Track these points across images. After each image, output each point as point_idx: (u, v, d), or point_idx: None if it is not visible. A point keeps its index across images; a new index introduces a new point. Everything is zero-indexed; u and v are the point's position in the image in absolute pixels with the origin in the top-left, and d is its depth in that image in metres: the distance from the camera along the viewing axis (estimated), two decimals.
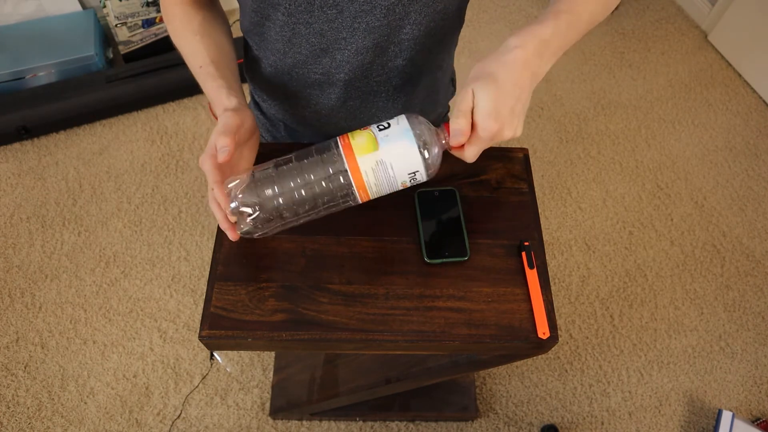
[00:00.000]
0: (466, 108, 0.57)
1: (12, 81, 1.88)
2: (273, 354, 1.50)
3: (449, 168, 0.74)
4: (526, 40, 0.58)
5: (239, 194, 0.59)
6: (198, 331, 0.81)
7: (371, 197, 0.61)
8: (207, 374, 1.51)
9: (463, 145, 0.60)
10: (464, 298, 0.65)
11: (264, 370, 1.51)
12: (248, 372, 1.51)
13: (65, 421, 1.44)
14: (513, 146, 0.78)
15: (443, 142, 0.60)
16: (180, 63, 1.55)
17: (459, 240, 0.68)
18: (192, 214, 1.76)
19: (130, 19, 1.93)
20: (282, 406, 1.40)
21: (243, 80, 0.76)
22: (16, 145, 1.88)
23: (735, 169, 1.92)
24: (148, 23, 1.97)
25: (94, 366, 1.51)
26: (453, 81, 0.98)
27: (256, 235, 0.62)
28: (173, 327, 1.57)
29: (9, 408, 1.45)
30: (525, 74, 0.57)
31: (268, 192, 0.58)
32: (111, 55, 2.08)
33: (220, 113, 0.63)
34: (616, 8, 2.31)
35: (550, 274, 1.10)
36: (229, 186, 0.59)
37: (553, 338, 0.63)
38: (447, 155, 0.63)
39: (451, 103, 1.00)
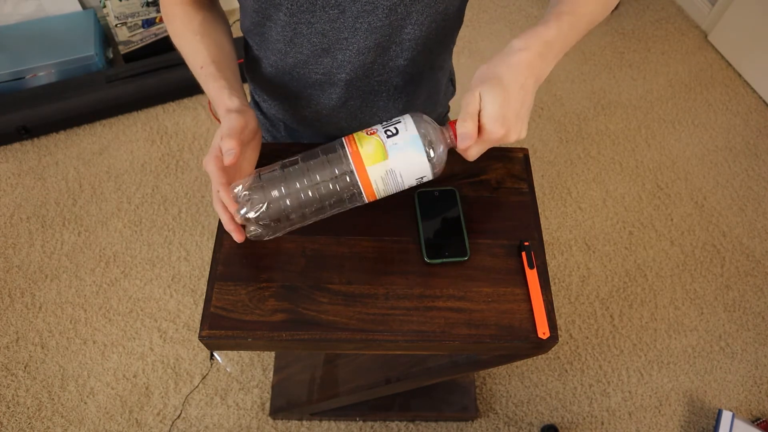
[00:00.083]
0: (473, 111, 0.57)
1: (12, 81, 1.88)
2: (273, 354, 1.50)
3: (449, 168, 0.74)
4: (530, 43, 0.58)
5: (247, 198, 0.58)
6: (198, 331, 0.81)
7: (377, 198, 0.62)
8: (207, 374, 1.51)
9: None
10: (464, 298, 0.65)
11: (264, 370, 1.51)
12: (248, 372, 1.51)
13: (65, 421, 1.44)
14: (513, 146, 0.78)
15: (448, 141, 0.60)
16: (180, 63, 1.55)
17: (459, 240, 0.68)
18: (192, 214, 1.76)
19: (130, 19, 1.93)
20: (282, 406, 1.40)
21: (243, 80, 0.76)
22: (16, 145, 1.88)
23: (735, 169, 1.92)
24: (148, 23, 1.97)
25: (94, 366, 1.51)
26: (452, 81, 0.98)
27: (264, 239, 0.62)
28: (173, 327, 1.57)
29: (9, 408, 1.45)
30: (530, 77, 0.57)
31: (276, 194, 0.58)
32: (111, 55, 2.08)
33: (223, 114, 0.63)
34: (616, 8, 2.32)
35: (550, 274, 1.10)
36: (236, 189, 0.59)
37: (553, 338, 0.63)
38: (448, 153, 0.63)
39: (452, 103, 1.00)
